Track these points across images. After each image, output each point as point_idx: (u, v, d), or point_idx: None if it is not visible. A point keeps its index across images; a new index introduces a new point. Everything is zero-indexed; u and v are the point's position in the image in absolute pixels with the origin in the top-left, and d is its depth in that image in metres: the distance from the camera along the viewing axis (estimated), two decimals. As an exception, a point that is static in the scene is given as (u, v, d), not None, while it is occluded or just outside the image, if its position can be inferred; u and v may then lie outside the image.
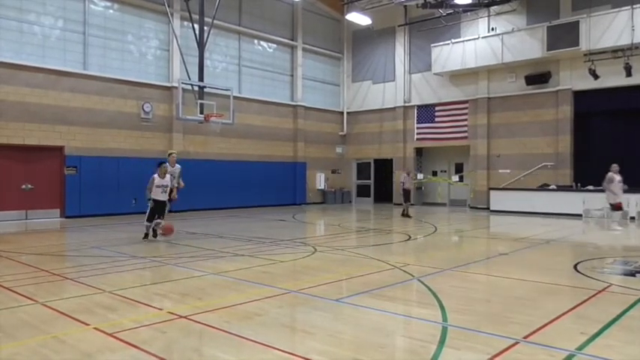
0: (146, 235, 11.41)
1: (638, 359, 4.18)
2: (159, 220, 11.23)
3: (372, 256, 9.23)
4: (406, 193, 18.17)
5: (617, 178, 14.71)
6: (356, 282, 7.08)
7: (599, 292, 6.40)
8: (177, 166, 12.54)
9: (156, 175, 11.18)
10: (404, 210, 18.19)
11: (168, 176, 11.40)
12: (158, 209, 11.29)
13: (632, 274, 7.66)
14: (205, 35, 17.72)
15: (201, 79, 17.47)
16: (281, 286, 6.65)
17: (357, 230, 14.64)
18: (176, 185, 12.32)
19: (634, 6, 17.64)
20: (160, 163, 11.51)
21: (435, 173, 25.38)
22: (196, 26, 17.53)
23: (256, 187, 22.27)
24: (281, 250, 10.13)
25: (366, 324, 5.06)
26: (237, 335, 4.64)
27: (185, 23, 19.47)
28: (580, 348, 4.30)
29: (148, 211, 11.25)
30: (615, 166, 14.95)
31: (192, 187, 19.72)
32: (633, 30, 17.52)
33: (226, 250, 10.06)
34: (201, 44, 17.60)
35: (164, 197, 11.30)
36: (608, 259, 9.00)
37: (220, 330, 4.80)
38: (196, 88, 17.48)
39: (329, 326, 4.97)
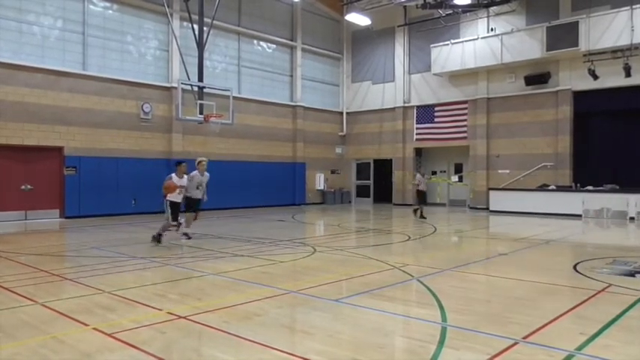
0: (159, 237, 10.52)
1: (638, 359, 4.18)
2: (175, 223, 10.59)
3: (371, 257, 9.23)
4: (421, 195, 17.62)
5: None
6: (355, 282, 7.09)
7: (599, 292, 6.40)
8: (207, 174, 11.65)
9: (173, 175, 10.54)
10: (418, 210, 17.58)
11: (185, 177, 10.79)
12: (175, 211, 10.56)
13: (632, 274, 7.66)
14: (205, 36, 17.72)
15: (200, 79, 17.46)
16: (280, 287, 6.65)
17: (356, 230, 14.64)
18: (205, 198, 11.70)
19: (633, 6, 17.65)
20: (178, 162, 10.91)
21: (434, 173, 25.38)
22: (196, 26, 17.53)
23: (256, 187, 22.26)
24: (280, 250, 10.14)
25: (365, 324, 5.06)
26: (237, 335, 4.64)
27: (184, 24, 19.47)
28: (579, 348, 4.30)
29: (169, 212, 10.43)
30: None
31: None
32: (633, 30, 17.53)
33: (226, 250, 10.06)
34: (200, 44, 17.60)
35: (180, 199, 10.65)
36: (608, 259, 9.00)
37: (219, 330, 4.80)
38: (196, 89, 17.48)
39: (328, 326, 4.97)
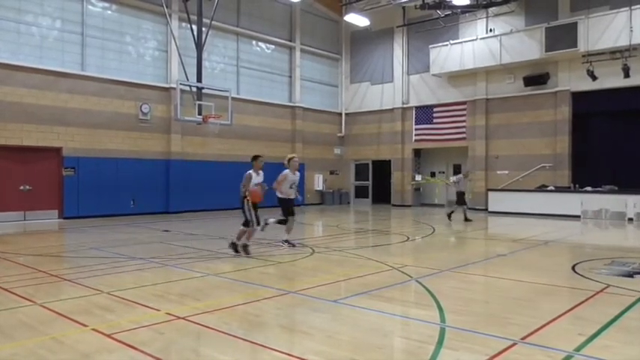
0: (246, 247, 9.44)
1: (636, 360, 4.19)
2: (258, 227, 9.50)
3: (370, 257, 9.23)
4: (460, 196, 16.65)
5: None
6: (354, 283, 7.08)
7: (597, 293, 6.40)
8: (297, 172, 10.82)
9: (252, 171, 9.46)
10: (452, 213, 16.77)
11: (261, 173, 9.68)
12: (257, 213, 9.48)
13: (630, 275, 7.67)
14: (204, 36, 17.70)
15: (199, 80, 17.44)
16: (279, 287, 6.64)
17: (355, 231, 14.63)
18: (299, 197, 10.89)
19: (632, 7, 17.67)
20: (255, 157, 9.72)
21: (433, 174, 25.40)
22: (194, 27, 17.51)
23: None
24: (279, 251, 10.13)
25: (363, 325, 5.06)
26: (235, 336, 4.64)
27: (183, 24, 19.46)
28: (578, 349, 4.30)
29: (249, 214, 9.38)
30: None
31: (191, 188, 19.78)
32: (631, 31, 17.55)
33: (225, 251, 10.05)
34: (199, 45, 17.58)
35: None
36: (606, 260, 9.01)
37: (218, 331, 4.80)
38: (194, 89, 17.45)
39: (327, 327, 4.97)
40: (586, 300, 6.05)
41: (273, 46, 23.77)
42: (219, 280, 7.24)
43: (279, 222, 10.86)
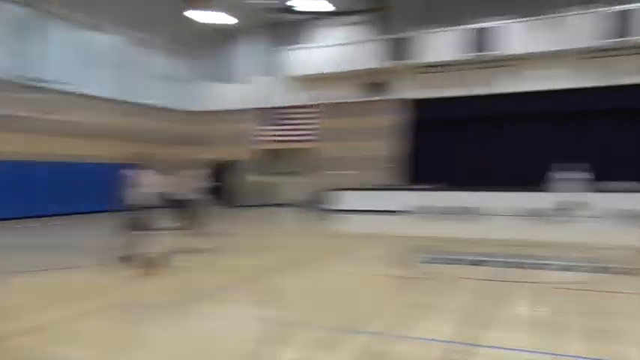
0: None
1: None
2: None
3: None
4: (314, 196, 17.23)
5: None
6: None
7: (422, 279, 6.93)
8: None
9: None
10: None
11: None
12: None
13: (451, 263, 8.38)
14: (38, 23, 15.80)
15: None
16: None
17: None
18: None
19: (455, 27, 20.01)
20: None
21: (279, 174, 25.32)
22: (23, 10, 15.60)
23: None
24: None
25: (201, 331, 4.92)
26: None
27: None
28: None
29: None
30: None
31: None
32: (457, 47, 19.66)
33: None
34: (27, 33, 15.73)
35: None
36: (433, 249, 9.74)
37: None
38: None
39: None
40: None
41: (119, 38, 22.00)
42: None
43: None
